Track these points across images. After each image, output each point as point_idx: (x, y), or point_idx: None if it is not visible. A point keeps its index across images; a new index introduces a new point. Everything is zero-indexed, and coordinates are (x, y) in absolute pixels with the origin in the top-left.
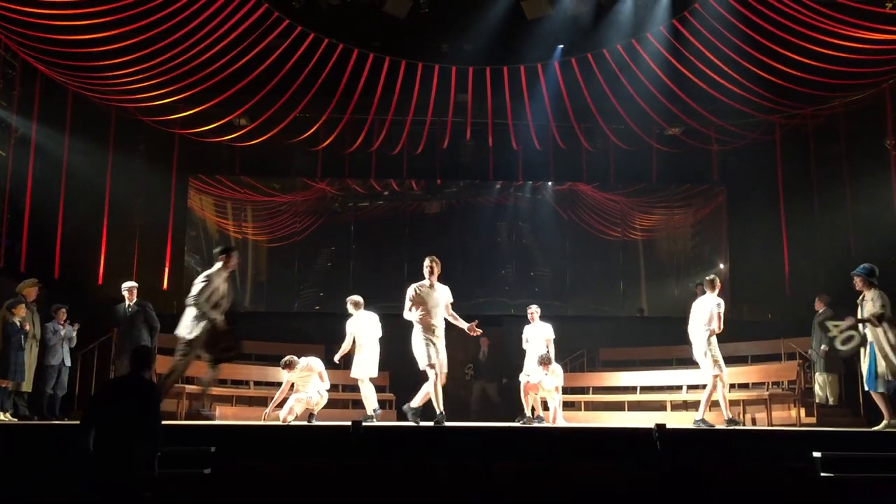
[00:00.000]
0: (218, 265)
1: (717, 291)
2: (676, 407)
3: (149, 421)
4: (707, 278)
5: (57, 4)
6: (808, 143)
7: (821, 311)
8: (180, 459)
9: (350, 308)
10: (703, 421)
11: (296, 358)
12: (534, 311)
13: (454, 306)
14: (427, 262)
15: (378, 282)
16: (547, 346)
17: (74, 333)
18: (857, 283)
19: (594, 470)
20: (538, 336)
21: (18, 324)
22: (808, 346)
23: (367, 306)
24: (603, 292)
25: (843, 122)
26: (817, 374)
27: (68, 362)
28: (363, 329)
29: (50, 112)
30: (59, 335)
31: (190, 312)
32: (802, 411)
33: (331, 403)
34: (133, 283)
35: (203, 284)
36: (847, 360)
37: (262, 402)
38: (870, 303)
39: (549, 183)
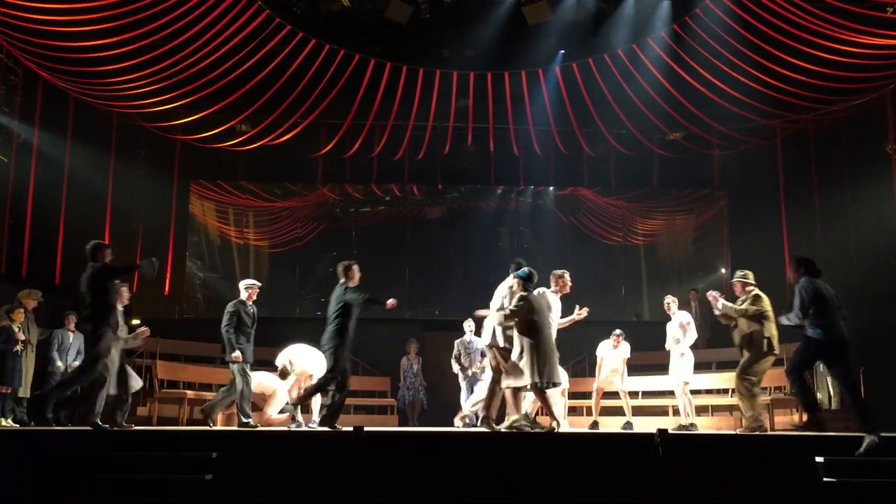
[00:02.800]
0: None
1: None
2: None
3: None
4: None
5: (59, 11)
6: (810, 147)
7: None
8: (182, 465)
9: None
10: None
11: (287, 366)
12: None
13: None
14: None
15: (379, 287)
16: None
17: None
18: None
19: (596, 475)
20: (617, 357)
21: (16, 330)
22: None
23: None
24: (604, 297)
25: (844, 127)
26: (828, 378)
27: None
28: None
29: (52, 118)
30: (68, 341)
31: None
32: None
33: None
34: (257, 283)
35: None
36: None
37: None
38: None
39: (551, 188)
